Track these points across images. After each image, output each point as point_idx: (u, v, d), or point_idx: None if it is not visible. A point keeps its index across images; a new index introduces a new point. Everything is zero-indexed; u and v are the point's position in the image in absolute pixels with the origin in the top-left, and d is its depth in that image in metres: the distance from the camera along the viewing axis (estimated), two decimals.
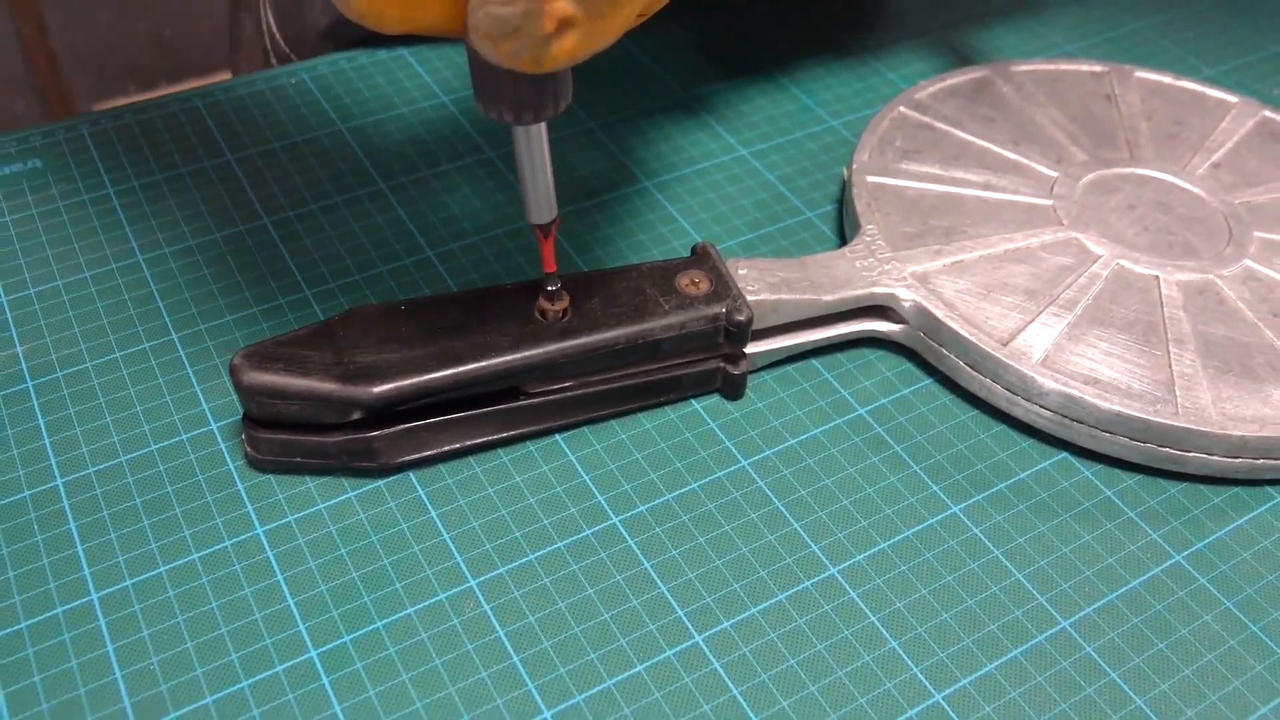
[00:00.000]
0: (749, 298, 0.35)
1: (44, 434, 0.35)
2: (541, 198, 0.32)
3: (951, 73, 0.47)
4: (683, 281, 0.36)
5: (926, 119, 0.44)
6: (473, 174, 0.44)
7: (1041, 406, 0.35)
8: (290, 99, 0.47)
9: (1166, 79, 0.47)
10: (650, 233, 0.42)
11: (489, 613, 0.31)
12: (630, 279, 0.36)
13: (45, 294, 0.39)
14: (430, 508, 0.34)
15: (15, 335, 0.38)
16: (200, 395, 0.36)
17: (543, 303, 0.34)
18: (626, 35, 0.51)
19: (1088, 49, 0.52)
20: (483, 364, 0.33)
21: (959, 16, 0.54)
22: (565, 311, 0.34)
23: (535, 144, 0.30)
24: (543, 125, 0.30)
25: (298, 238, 0.41)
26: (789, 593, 0.32)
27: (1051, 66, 0.47)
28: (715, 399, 0.37)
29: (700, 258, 0.36)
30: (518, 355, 0.34)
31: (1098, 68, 0.47)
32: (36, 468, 0.34)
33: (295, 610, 0.31)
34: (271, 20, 0.50)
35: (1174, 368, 0.35)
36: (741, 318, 0.35)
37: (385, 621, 0.31)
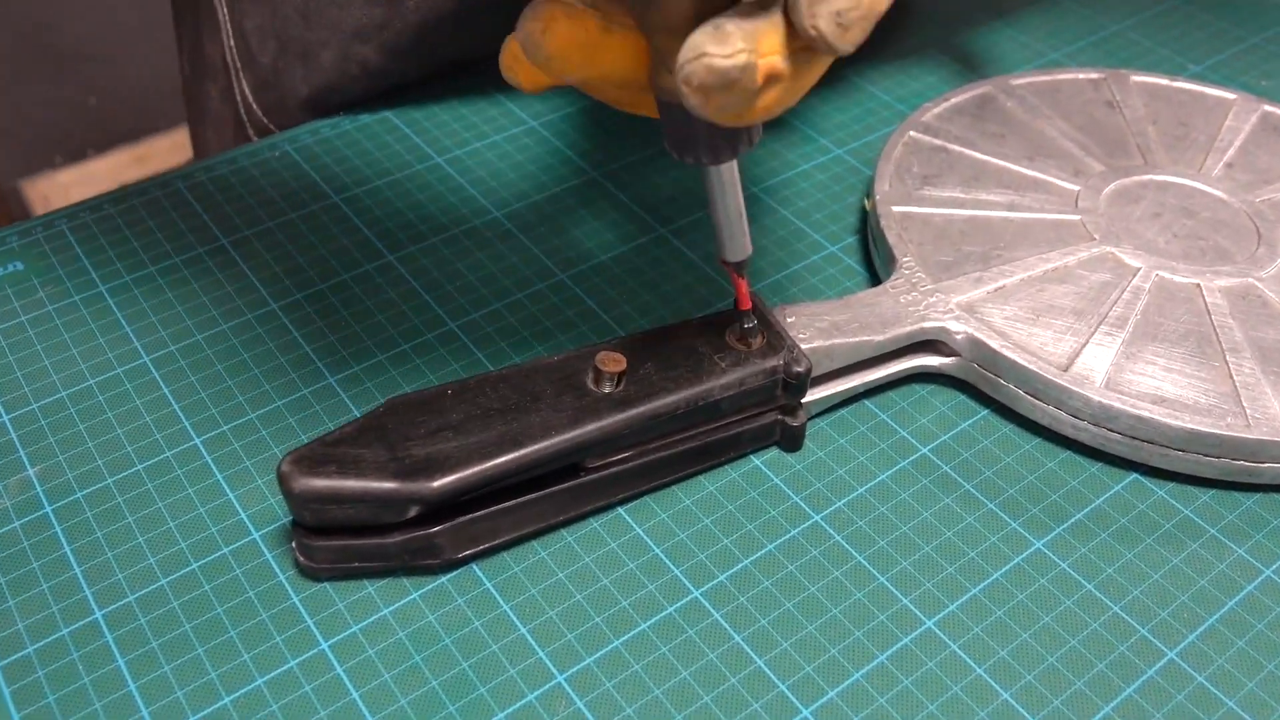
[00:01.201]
0: (802, 345, 0.34)
1: (73, 563, 0.32)
2: (735, 234, 0.32)
3: (953, 92, 0.46)
4: (733, 336, 0.34)
5: (939, 141, 0.43)
6: (481, 237, 0.42)
7: (1110, 430, 0.34)
8: (277, 173, 0.45)
9: (1163, 81, 0.47)
10: (675, 283, 0.41)
11: (583, 709, 0.29)
12: (681, 338, 0.34)
13: (49, 408, 0.36)
14: (501, 601, 0.32)
15: (24, 457, 0.35)
16: (236, 503, 0.34)
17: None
18: None
19: (1074, 54, 0.52)
20: (544, 444, 0.31)
21: (940, 32, 0.53)
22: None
23: (728, 182, 0.30)
24: (734, 163, 0.30)
25: (311, 321, 0.39)
26: (889, 652, 0.31)
27: (1048, 77, 0.47)
28: (774, 452, 0.35)
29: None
30: (579, 431, 0.32)
31: (1094, 75, 0.47)
32: (70, 601, 0.31)
33: None
34: (247, 90, 0.48)
35: (1235, 378, 0.35)
36: (800, 369, 0.33)
37: None
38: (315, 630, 0.31)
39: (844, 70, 0.51)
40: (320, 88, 0.47)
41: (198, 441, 0.35)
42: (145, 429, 0.36)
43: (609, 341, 0.34)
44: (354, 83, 0.47)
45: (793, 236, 0.43)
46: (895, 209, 0.40)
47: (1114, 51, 0.52)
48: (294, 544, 0.32)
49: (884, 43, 0.52)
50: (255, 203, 0.44)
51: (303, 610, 0.31)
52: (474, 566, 0.32)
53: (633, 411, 0.32)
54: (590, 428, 0.32)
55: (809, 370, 0.34)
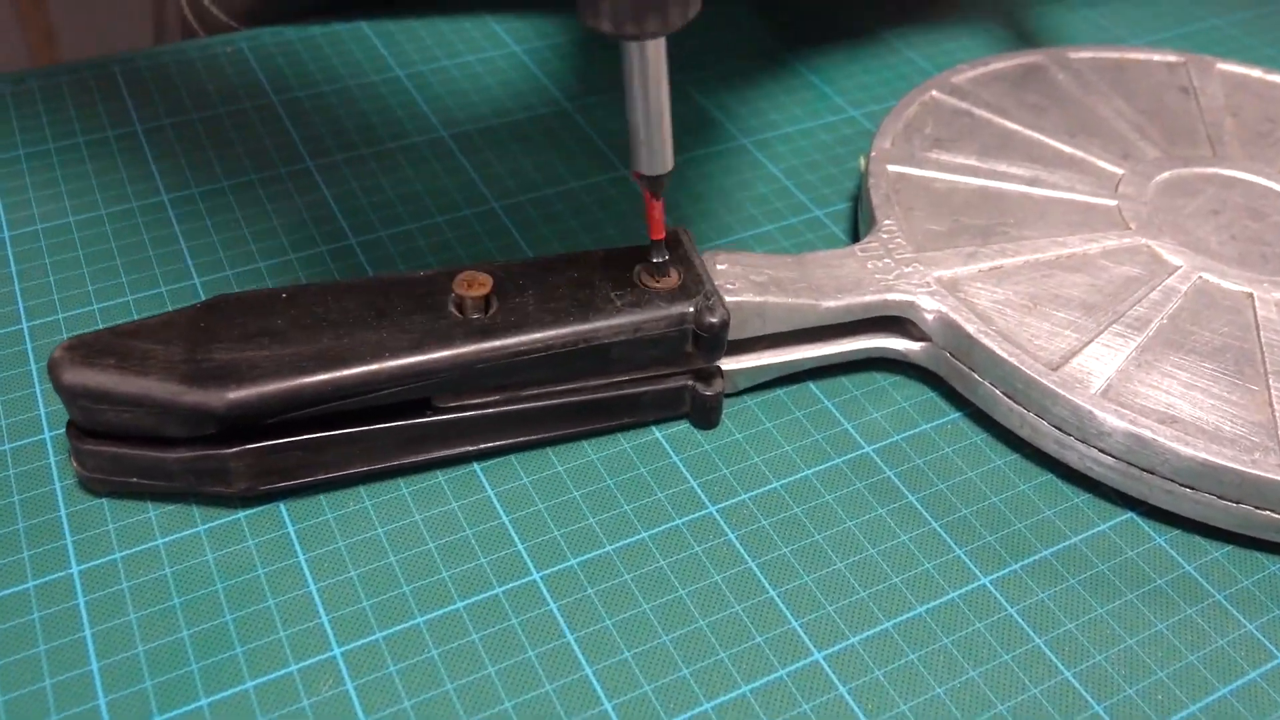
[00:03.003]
0: (728, 297, 0.27)
1: None
2: (654, 140, 0.25)
3: (996, 56, 0.38)
4: (643, 274, 0.27)
5: (964, 105, 0.36)
6: (416, 154, 0.36)
7: (1101, 451, 0.26)
8: (222, 69, 0.40)
9: (1255, 72, 0.39)
10: (621, 228, 0.34)
11: (351, 693, 0.23)
12: (576, 268, 0.28)
13: None
14: (299, 550, 0.25)
15: None
16: (39, 398, 0.28)
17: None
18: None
19: (1158, 44, 0.44)
20: (374, 366, 0.25)
21: (1007, 1, 0.46)
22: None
23: (652, 65, 0.23)
24: (661, 44, 0.23)
25: (197, 218, 0.34)
26: (756, 684, 0.23)
27: (1116, 54, 0.39)
28: (683, 427, 0.29)
29: (668, 247, 0.28)
30: (421, 357, 0.26)
31: (1172, 57, 0.39)
32: None
33: (98, 678, 0.23)
34: None
35: (1275, 406, 0.27)
36: (714, 319, 0.27)
37: (212, 699, 0.23)
38: (70, 550, 0.25)
39: (879, 27, 0.44)
40: None
41: (24, 325, 0.30)
42: None
43: (485, 263, 0.28)
44: None
45: (775, 195, 0.36)
46: (891, 168, 0.33)
47: (1206, 46, 0.44)
48: (70, 447, 0.26)
49: (936, 9, 0.45)
50: (186, 94, 0.39)
51: (66, 525, 0.26)
52: (281, 506, 0.26)
53: (493, 343, 0.26)
54: (437, 355, 0.26)
55: (725, 323, 0.27)
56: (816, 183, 0.36)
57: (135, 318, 0.31)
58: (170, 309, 0.31)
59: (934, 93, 0.36)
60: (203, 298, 0.31)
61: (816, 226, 0.35)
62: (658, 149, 0.25)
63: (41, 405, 0.28)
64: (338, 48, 0.41)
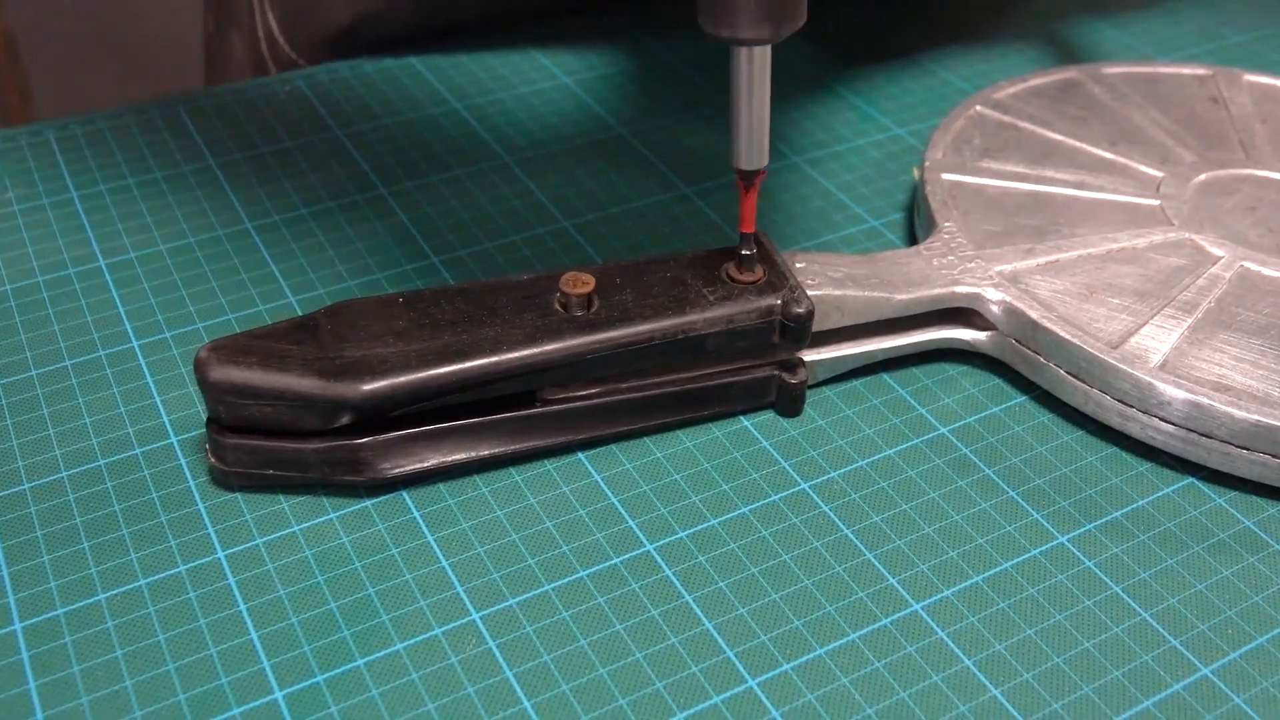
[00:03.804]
0: (809, 291, 0.33)
1: None
2: (755, 139, 0.31)
3: (1033, 74, 0.45)
4: (731, 270, 0.33)
5: (1008, 118, 0.42)
6: (485, 180, 0.42)
7: (1162, 419, 0.32)
8: (283, 105, 0.46)
9: None
10: (690, 243, 0.40)
11: (494, 650, 0.28)
12: (669, 268, 0.33)
13: None
14: (426, 532, 0.31)
15: None
16: (160, 407, 0.34)
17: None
18: (664, 41, 0.49)
19: (1185, 60, 0.50)
20: (493, 359, 0.31)
21: (1031, 22, 0.52)
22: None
23: (757, 71, 0.30)
24: (768, 50, 0.29)
25: (283, 243, 0.39)
26: (863, 631, 0.29)
27: (1148, 69, 0.45)
28: (769, 415, 0.34)
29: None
30: (534, 350, 0.31)
31: (1201, 70, 0.45)
32: None
33: (259, 645, 0.28)
34: (273, 22, 0.49)
35: None
36: (800, 310, 0.32)
37: (368, 659, 0.28)
38: (214, 538, 0.30)
39: (916, 52, 0.50)
40: (364, 15, 0.48)
41: (135, 344, 0.36)
42: (83, 328, 0.36)
43: (584, 266, 0.33)
44: (399, 13, 0.47)
45: (831, 207, 0.42)
46: (945, 176, 0.39)
47: (1232, 62, 0.50)
48: (207, 444, 0.31)
49: (964, 26, 0.51)
50: (252, 129, 0.44)
51: (206, 517, 0.31)
52: (404, 494, 0.32)
53: (598, 336, 0.31)
54: (548, 348, 0.31)
55: (810, 313, 0.32)
56: (870, 195, 0.42)
57: (234, 331, 0.36)
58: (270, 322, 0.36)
59: (978, 107, 0.43)
60: (299, 314, 0.37)
61: (874, 235, 0.40)
62: (756, 146, 0.31)
63: (164, 413, 0.33)
64: (393, 83, 0.47)
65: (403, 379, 0.30)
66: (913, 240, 0.40)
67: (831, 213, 0.41)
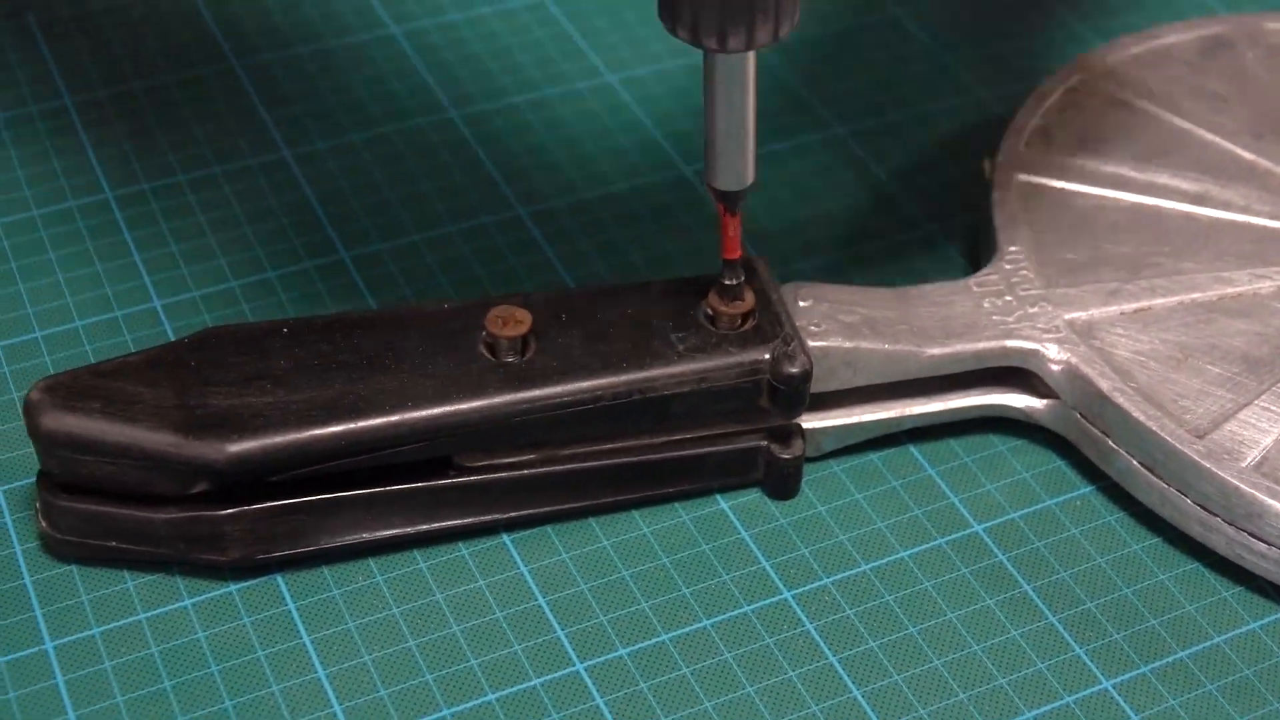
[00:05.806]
0: (811, 342, 0.34)
1: None
2: (734, 152, 0.33)
3: (1170, 26, 0.46)
4: (713, 299, 0.34)
5: (1123, 95, 0.43)
6: (422, 142, 0.44)
7: (1253, 535, 0.33)
8: (164, 20, 0.47)
9: None
10: (684, 243, 0.41)
11: None
12: (630, 302, 0.35)
13: None
14: (302, 630, 0.33)
15: None
16: None
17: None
18: None
19: None
20: (393, 418, 0.33)
21: None
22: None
23: (736, 80, 0.32)
24: (750, 57, 0.31)
25: (151, 221, 0.41)
26: None
27: None
28: (755, 496, 0.36)
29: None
30: (449, 408, 0.33)
31: None
32: None
33: None
34: None
35: None
36: (794, 369, 0.34)
37: None
38: (42, 623, 0.33)
39: None
40: None
41: None
42: None
43: (523, 295, 0.35)
44: None
45: (878, 204, 0.43)
46: (1021, 177, 0.41)
47: None
48: (38, 504, 0.33)
49: None
50: (125, 57, 0.46)
51: (33, 595, 0.33)
52: (278, 577, 0.34)
53: (530, 393, 0.33)
54: (466, 405, 0.33)
55: (807, 374, 0.34)
56: (931, 187, 0.44)
57: (87, 347, 0.38)
58: (129, 337, 0.38)
59: (1084, 75, 0.43)
60: (166, 323, 0.39)
61: (929, 246, 0.42)
62: (736, 163, 0.32)
63: None
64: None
65: (279, 439, 0.32)
66: (975, 258, 0.41)
67: (876, 211, 0.43)
